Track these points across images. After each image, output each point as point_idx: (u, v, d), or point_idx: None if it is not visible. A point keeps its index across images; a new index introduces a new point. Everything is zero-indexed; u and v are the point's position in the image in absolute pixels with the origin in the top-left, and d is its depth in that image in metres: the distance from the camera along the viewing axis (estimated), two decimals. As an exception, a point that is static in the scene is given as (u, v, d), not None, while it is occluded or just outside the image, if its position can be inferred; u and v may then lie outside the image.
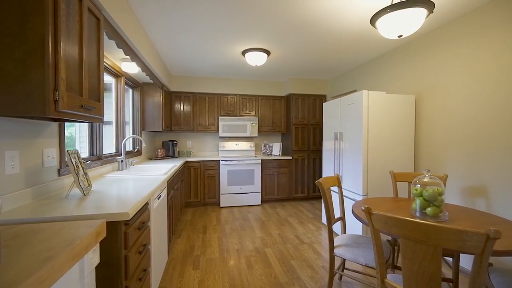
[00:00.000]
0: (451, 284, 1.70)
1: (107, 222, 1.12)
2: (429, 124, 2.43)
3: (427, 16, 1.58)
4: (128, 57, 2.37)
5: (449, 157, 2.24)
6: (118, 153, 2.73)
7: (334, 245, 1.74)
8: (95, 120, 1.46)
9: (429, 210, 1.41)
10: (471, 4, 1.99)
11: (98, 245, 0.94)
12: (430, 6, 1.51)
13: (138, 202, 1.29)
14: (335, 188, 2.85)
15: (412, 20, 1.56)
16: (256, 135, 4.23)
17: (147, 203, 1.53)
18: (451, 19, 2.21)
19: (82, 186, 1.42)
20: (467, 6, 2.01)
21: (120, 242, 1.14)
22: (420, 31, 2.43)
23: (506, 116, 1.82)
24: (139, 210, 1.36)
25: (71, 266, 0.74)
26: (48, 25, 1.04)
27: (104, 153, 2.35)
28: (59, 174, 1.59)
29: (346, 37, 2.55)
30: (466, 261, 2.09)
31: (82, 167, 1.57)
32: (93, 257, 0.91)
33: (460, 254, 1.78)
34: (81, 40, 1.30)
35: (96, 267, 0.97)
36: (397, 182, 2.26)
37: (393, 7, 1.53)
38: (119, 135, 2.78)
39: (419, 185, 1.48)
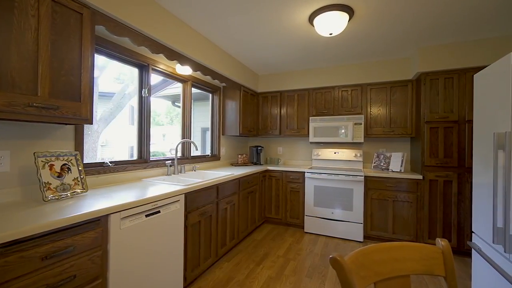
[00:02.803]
0: None
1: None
2: None
3: None
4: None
5: None
6: (184, 156, 2.73)
7: None
8: (71, 121, 1.35)
9: None
10: None
11: None
12: None
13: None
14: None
15: None
16: (362, 140, 2.94)
17: (98, 220, 1.22)
18: None
19: (62, 192, 1.33)
20: None
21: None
22: None
23: None
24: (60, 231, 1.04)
25: None
26: None
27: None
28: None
29: None
30: None
31: (79, 170, 1.53)
32: None
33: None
34: (37, 35, 1.21)
35: None
36: None
37: None
38: (185, 138, 2.76)
39: None
